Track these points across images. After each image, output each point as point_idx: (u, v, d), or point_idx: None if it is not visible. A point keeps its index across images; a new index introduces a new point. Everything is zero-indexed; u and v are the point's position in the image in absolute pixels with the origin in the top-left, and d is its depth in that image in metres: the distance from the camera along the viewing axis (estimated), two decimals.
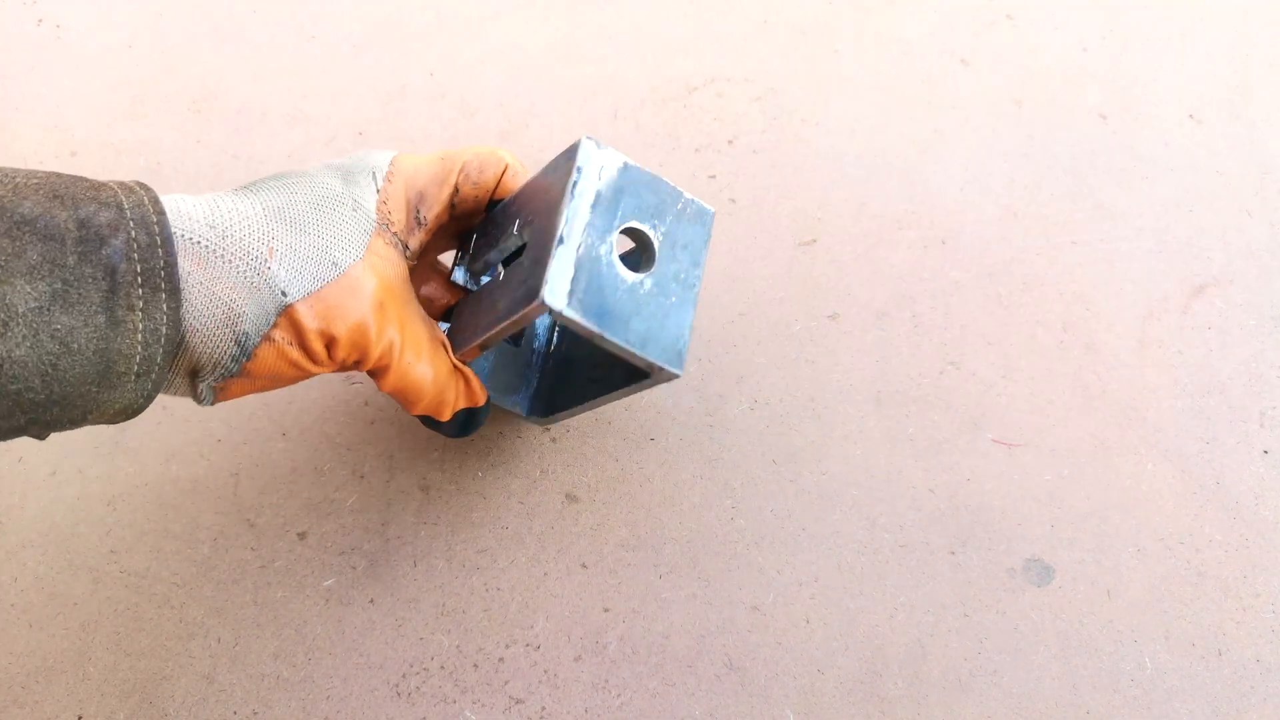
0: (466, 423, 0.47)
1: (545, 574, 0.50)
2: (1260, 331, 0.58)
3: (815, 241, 0.61)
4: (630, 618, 0.49)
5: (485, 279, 0.47)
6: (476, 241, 0.47)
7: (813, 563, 0.51)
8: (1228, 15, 0.71)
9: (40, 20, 0.71)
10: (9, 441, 0.53)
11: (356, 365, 0.41)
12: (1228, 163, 0.64)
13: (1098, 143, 0.65)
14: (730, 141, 0.65)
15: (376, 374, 0.42)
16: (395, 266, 0.41)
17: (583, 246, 0.39)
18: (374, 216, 0.41)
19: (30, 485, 0.52)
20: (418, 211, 0.43)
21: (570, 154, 0.41)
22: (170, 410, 0.55)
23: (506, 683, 0.48)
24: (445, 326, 0.47)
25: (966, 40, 0.70)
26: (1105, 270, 0.60)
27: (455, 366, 0.44)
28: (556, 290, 0.38)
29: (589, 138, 0.41)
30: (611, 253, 0.40)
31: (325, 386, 0.55)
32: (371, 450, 0.54)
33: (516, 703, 0.47)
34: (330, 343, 0.39)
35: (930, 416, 0.55)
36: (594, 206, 0.40)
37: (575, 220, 0.39)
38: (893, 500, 0.52)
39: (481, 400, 0.46)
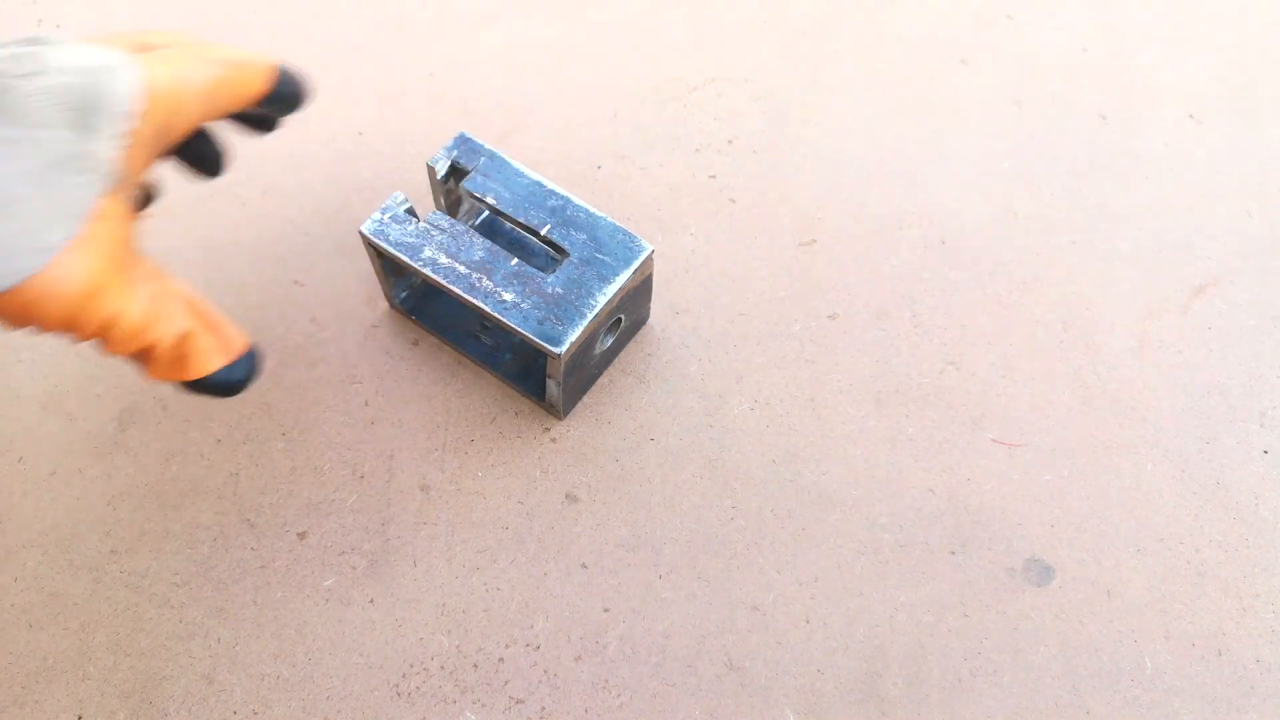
0: (228, 384, 0.40)
1: (545, 574, 0.50)
2: (1260, 331, 0.58)
3: (815, 241, 0.61)
4: (630, 618, 0.49)
5: (458, 225, 0.51)
6: (471, 190, 0.51)
7: (813, 563, 0.51)
8: (1228, 15, 0.71)
9: (40, 20, 0.71)
10: (9, 441, 0.53)
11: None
12: (1228, 163, 0.64)
13: (1098, 143, 0.65)
14: (730, 141, 0.65)
15: (99, 344, 0.36)
16: (123, 227, 0.35)
17: (597, 323, 0.49)
18: (109, 174, 0.34)
19: (30, 485, 0.52)
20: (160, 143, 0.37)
21: (635, 249, 0.50)
22: (170, 410, 0.55)
23: (506, 683, 0.48)
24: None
25: (966, 40, 0.70)
26: (1105, 270, 0.60)
27: (197, 318, 0.39)
28: (567, 346, 0.47)
29: (653, 252, 0.51)
30: (606, 337, 0.53)
31: (325, 386, 0.55)
32: (371, 450, 0.54)
33: (516, 703, 0.47)
34: (33, 327, 0.34)
35: (930, 416, 0.55)
36: (621, 299, 0.50)
37: (607, 306, 0.49)
38: (893, 500, 0.52)
39: (237, 352, 0.40)
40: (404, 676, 0.48)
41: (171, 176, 0.64)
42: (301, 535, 0.51)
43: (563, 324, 0.48)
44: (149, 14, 0.70)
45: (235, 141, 0.65)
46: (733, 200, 0.62)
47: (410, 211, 0.51)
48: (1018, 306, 0.58)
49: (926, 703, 0.47)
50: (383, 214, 0.50)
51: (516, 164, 0.52)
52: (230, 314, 0.58)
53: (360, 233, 0.50)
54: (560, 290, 0.49)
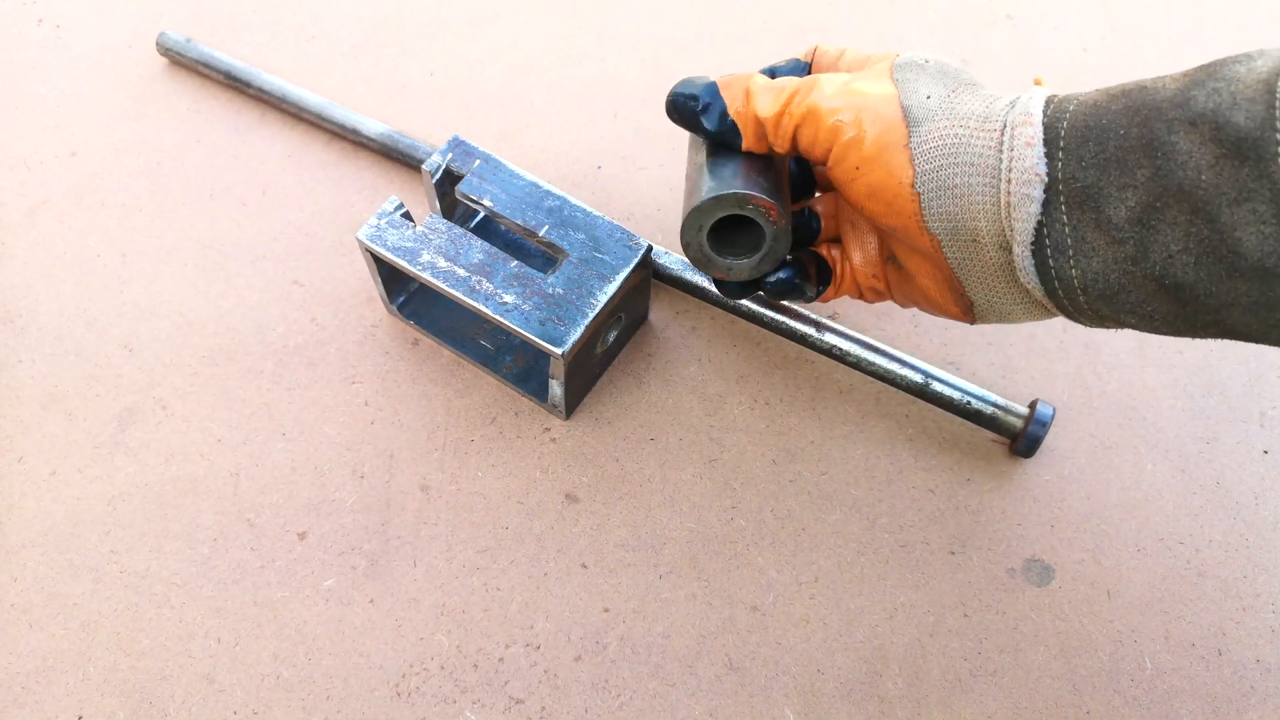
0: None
1: (545, 574, 0.50)
2: None
3: None
4: (630, 618, 0.49)
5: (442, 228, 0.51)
6: (467, 193, 0.52)
7: (813, 563, 0.51)
8: (1228, 15, 0.71)
9: (40, 20, 0.71)
10: (9, 441, 0.53)
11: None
12: None
13: None
14: None
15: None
16: None
17: (598, 322, 0.49)
18: None
19: (30, 485, 0.52)
20: None
21: (634, 247, 0.50)
22: (170, 410, 0.55)
23: (506, 683, 0.48)
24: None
25: (966, 40, 0.70)
26: None
27: None
28: (570, 347, 0.47)
29: (655, 247, 0.53)
30: (607, 336, 0.53)
31: (325, 386, 0.55)
32: (371, 450, 0.54)
33: (516, 703, 0.47)
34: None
35: (931, 416, 0.55)
36: (622, 297, 0.51)
37: (608, 305, 0.49)
38: (893, 500, 0.52)
39: None
40: (404, 676, 0.48)
41: (173, 176, 0.64)
42: (301, 535, 0.51)
43: (564, 324, 0.48)
44: (149, 14, 0.70)
45: (227, 143, 0.65)
46: None
47: (406, 215, 0.51)
48: None
49: (926, 703, 0.47)
50: (379, 219, 0.50)
51: (512, 165, 0.52)
52: (230, 314, 0.58)
53: (357, 239, 0.50)
54: (561, 290, 0.49)
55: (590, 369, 0.53)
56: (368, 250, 0.50)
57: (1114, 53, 0.69)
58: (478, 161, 0.52)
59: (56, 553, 0.51)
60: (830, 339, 0.53)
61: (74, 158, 0.64)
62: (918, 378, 0.52)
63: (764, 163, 0.44)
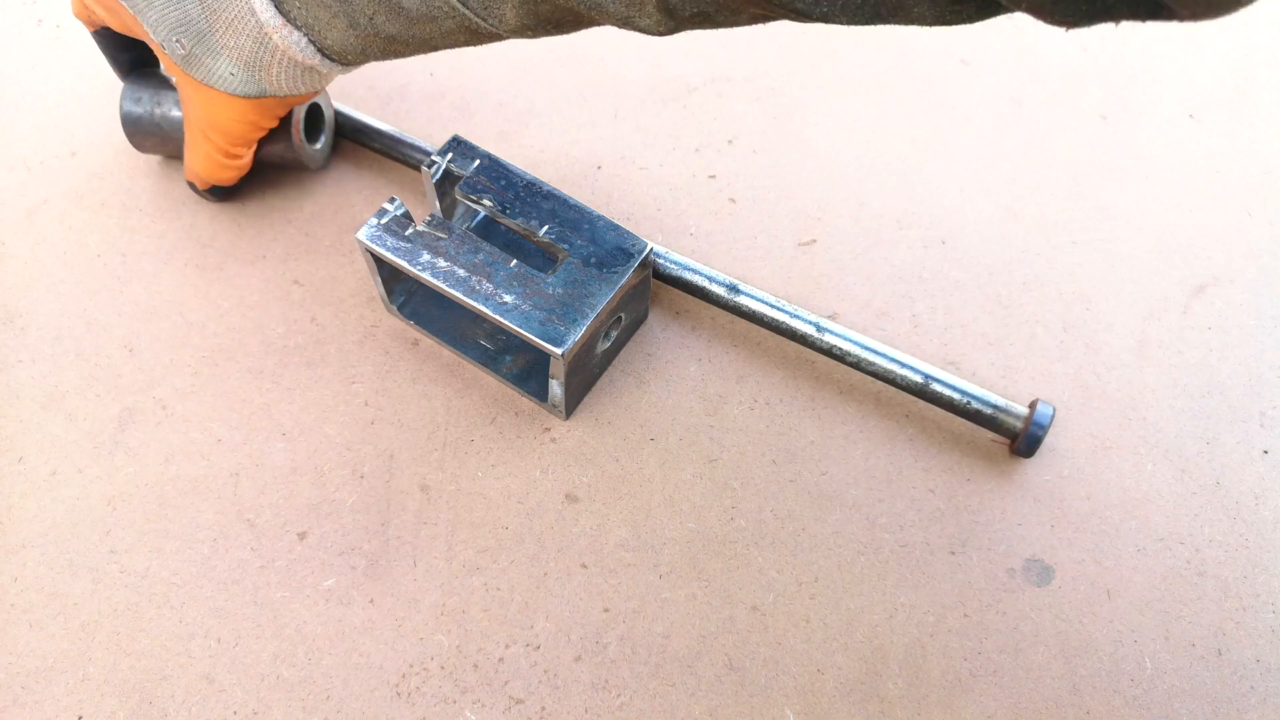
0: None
1: (545, 574, 0.50)
2: (1260, 331, 0.58)
3: (815, 241, 0.61)
4: (630, 618, 0.49)
5: (446, 235, 0.51)
6: (467, 192, 0.52)
7: (813, 563, 0.51)
8: (1227, 15, 0.71)
9: (40, 20, 0.71)
10: (9, 441, 0.53)
11: None
12: (1228, 163, 0.64)
13: (1098, 143, 0.65)
14: (730, 141, 0.65)
15: None
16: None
17: (598, 322, 0.49)
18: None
19: (30, 485, 0.52)
20: None
21: (634, 247, 0.51)
22: (170, 410, 0.55)
23: (506, 683, 0.48)
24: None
25: (966, 40, 0.70)
26: (1105, 270, 0.60)
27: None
28: (570, 347, 0.48)
29: (655, 247, 0.54)
30: (607, 336, 0.53)
31: (325, 386, 0.55)
32: (371, 450, 0.54)
33: (516, 703, 0.47)
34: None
35: (930, 416, 0.55)
36: (622, 297, 0.51)
37: (608, 305, 0.49)
38: (893, 500, 0.52)
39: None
40: (404, 676, 0.48)
41: (174, 176, 0.64)
42: (301, 535, 0.51)
43: (564, 324, 0.48)
44: None
45: None
46: (733, 200, 0.62)
47: (406, 216, 0.51)
48: (1018, 306, 0.58)
49: (926, 703, 0.47)
50: (379, 219, 0.50)
51: (512, 165, 0.52)
52: (230, 314, 0.58)
53: (357, 239, 0.50)
54: (560, 291, 0.49)
55: (590, 369, 0.53)
56: (368, 250, 0.50)
57: (1114, 52, 0.69)
58: (478, 161, 0.52)
59: (56, 553, 0.51)
60: (830, 339, 0.53)
61: (74, 158, 0.64)
62: (918, 378, 0.52)
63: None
